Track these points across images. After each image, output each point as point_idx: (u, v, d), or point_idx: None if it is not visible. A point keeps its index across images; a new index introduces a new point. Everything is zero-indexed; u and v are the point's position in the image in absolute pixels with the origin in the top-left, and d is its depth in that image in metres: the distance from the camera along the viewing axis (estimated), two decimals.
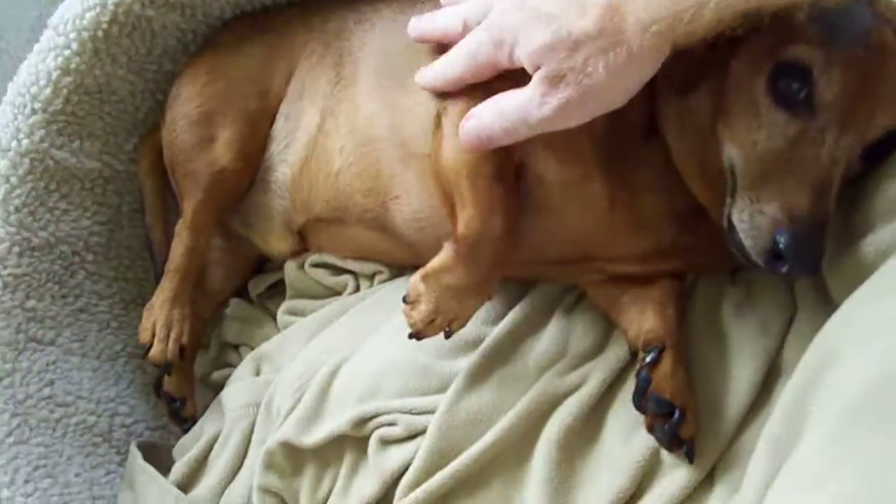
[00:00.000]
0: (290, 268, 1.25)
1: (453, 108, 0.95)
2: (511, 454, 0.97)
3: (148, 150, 1.31)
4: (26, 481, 1.19)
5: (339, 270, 1.21)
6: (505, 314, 1.04)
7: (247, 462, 1.14)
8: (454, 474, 0.97)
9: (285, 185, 1.20)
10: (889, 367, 0.65)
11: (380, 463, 1.01)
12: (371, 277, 1.19)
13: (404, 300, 0.95)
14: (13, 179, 1.23)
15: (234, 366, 1.26)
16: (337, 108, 1.16)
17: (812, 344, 0.77)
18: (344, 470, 1.05)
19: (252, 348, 1.25)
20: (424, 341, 0.97)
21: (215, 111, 1.21)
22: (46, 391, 1.24)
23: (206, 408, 1.24)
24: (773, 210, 0.82)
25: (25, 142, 1.23)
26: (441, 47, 0.99)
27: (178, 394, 1.25)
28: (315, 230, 1.21)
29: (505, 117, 0.88)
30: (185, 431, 1.26)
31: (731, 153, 0.86)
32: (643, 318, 0.97)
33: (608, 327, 1.03)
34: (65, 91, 1.24)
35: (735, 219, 0.86)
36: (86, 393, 1.28)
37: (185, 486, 1.17)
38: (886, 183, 0.86)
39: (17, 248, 1.24)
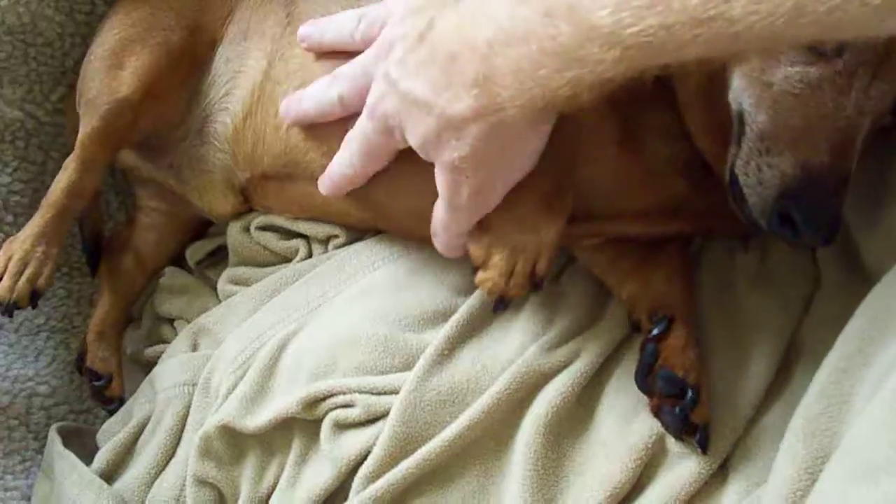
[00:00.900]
0: (233, 230, 1.13)
1: None
2: (489, 440, 0.86)
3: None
4: None
5: (289, 234, 1.10)
6: None
7: (180, 449, 1.02)
8: (421, 463, 0.86)
9: (225, 136, 1.10)
10: None
11: (334, 450, 0.90)
12: (325, 242, 1.07)
13: (473, 271, 0.85)
14: None
15: (168, 342, 1.15)
16: (288, 53, 1.06)
17: (855, 316, 0.70)
18: (292, 458, 0.94)
19: (189, 322, 1.13)
20: (388, 311, 0.88)
21: (132, 39, 1.11)
22: None
23: (136, 389, 1.13)
24: (784, 163, 0.74)
25: None
26: None
27: (102, 370, 1.16)
28: (261, 188, 1.10)
29: (443, 213, 0.86)
30: (111, 414, 1.15)
31: (741, 94, 0.77)
32: (648, 286, 0.88)
33: (603, 297, 0.93)
34: None
35: (739, 171, 0.77)
36: (0, 370, 1.16)
37: (110, 475, 1.05)
38: None
39: None
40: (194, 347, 1.09)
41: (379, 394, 0.90)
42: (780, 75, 0.74)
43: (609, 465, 0.82)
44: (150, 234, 1.22)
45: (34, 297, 1.08)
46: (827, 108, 0.73)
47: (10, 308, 1.07)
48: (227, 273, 1.13)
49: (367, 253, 1.01)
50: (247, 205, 1.13)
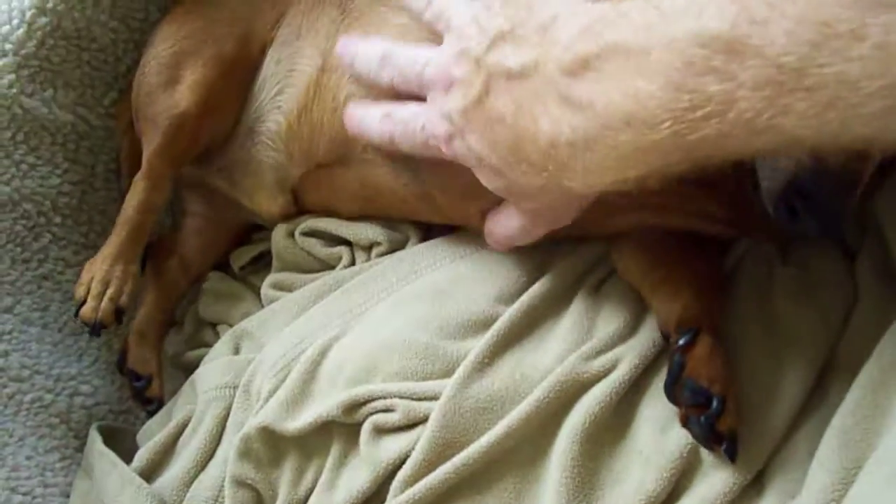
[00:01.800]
0: (278, 235, 1.14)
1: None
2: (526, 447, 0.86)
3: (128, 107, 1.21)
4: None
5: (333, 241, 1.11)
6: (521, 293, 0.94)
7: (220, 450, 1.02)
8: (459, 469, 0.85)
9: (279, 134, 1.11)
10: None
11: (373, 454, 0.90)
12: (368, 249, 1.08)
13: None
14: None
15: (210, 346, 1.15)
16: None
17: (890, 333, 0.70)
18: (331, 461, 0.93)
19: (230, 326, 1.14)
20: (429, 319, 0.87)
21: (187, 52, 1.13)
22: (0, 362, 1.14)
23: (177, 391, 1.14)
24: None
25: None
26: None
27: (142, 371, 1.17)
28: (313, 183, 1.11)
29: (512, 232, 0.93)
30: (151, 415, 1.16)
31: None
32: (678, 297, 0.87)
33: (641, 307, 0.92)
34: (39, 33, 1.15)
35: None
36: (44, 368, 1.17)
37: (149, 474, 1.05)
38: None
39: None
40: (236, 351, 1.09)
41: (419, 399, 0.89)
42: None
43: (645, 474, 0.81)
44: (196, 239, 1.23)
45: (119, 314, 1.12)
46: None
47: (96, 328, 1.11)
48: (271, 278, 1.13)
49: (410, 261, 1.01)
50: (296, 206, 1.14)
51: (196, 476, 1.01)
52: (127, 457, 1.08)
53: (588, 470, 0.83)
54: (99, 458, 1.08)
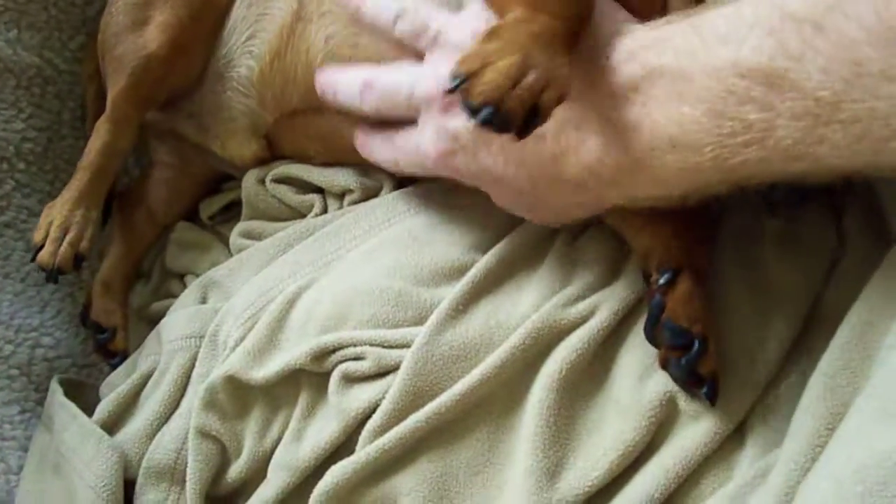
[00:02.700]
0: (248, 181, 1.11)
1: None
2: (501, 396, 0.83)
3: (95, 52, 1.17)
4: None
5: (305, 188, 1.08)
6: (498, 240, 0.91)
7: (184, 401, 0.99)
8: (430, 418, 0.83)
9: (251, 80, 1.08)
10: None
11: (342, 403, 0.87)
12: (340, 197, 1.05)
13: (454, 80, 0.70)
14: None
15: (177, 297, 1.12)
16: None
17: (877, 276, 0.70)
18: (298, 411, 0.91)
19: (198, 276, 1.11)
20: (402, 266, 0.85)
21: None
22: None
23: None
24: None
25: None
26: None
27: (106, 323, 1.15)
28: (287, 128, 1.09)
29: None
30: (114, 369, 1.12)
31: None
32: (659, 237, 0.85)
33: (621, 255, 0.90)
34: None
35: None
36: (4, 318, 1.14)
37: (111, 426, 1.02)
38: None
39: None
40: (203, 301, 1.06)
41: (390, 347, 0.87)
42: None
43: (622, 423, 0.79)
44: (164, 189, 1.20)
45: (78, 260, 1.09)
46: None
47: (53, 274, 1.08)
48: (240, 227, 1.10)
49: (383, 209, 0.99)
50: (269, 150, 1.12)
51: (159, 428, 0.98)
52: (89, 411, 1.04)
53: (564, 419, 0.81)
54: (59, 411, 1.05)
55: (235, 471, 0.93)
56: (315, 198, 1.06)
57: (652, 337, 0.81)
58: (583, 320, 0.84)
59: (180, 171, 1.20)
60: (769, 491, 0.69)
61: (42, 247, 1.08)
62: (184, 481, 0.94)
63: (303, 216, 1.07)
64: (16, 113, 1.16)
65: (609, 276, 0.88)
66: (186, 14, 1.08)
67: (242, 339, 0.94)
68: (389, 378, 0.86)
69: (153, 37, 1.07)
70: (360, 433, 0.86)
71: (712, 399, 0.77)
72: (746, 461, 0.76)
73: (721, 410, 0.78)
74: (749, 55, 0.64)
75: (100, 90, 1.17)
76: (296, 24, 1.04)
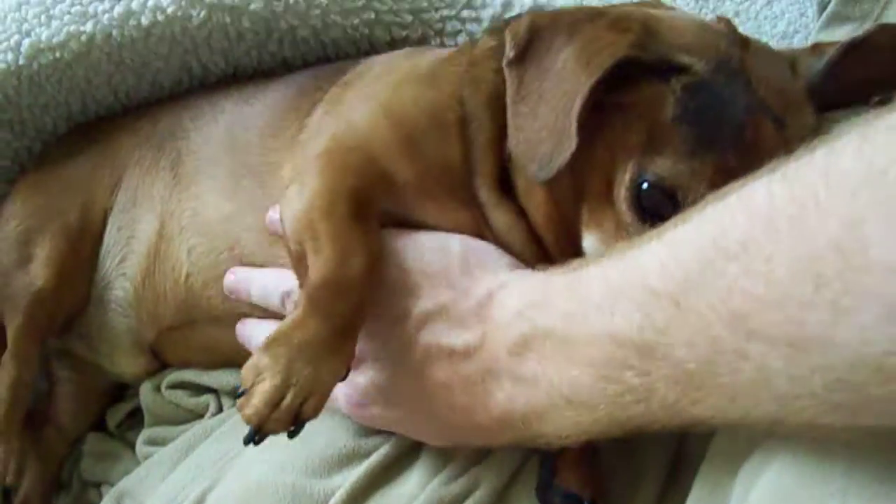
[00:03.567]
0: (145, 390, 1.14)
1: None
2: None
3: None
4: None
5: (199, 390, 1.11)
6: None
7: None
8: None
9: (127, 300, 1.12)
10: None
11: None
12: (233, 394, 1.07)
13: (238, 395, 0.79)
14: None
15: None
16: (178, 210, 1.08)
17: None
18: None
19: (112, 485, 1.13)
20: (293, 459, 0.88)
21: (33, 228, 1.13)
22: None
23: None
24: None
25: None
26: None
27: None
28: (168, 342, 1.12)
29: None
30: None
31: (592, 247, 0.82)
32: None
33: None
34: None
35: None
36: None
37: None
38: None
39: None
40: None
41: None
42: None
43: None
44: (69, 404, 1.21)
45: (7, 494, 1.11)
46: None
47: None
48: (144, 434, 1.13)
49: None
50: (157, 362, 1.14)
51: None
52: None
53: None
54: None
55: None
56: (210, 398, 1.09)
57: (544, 501, 0.84)
58: (466, 495, 0.86)
59: (82, 385, 1.22)
60: None
61: None
62: None
63: (201, 417, 1.09)
64: None
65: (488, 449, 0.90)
66: (66, 245, 1.12)
67: None
68: None
69: (39, 273, 1.10)
70: None
71: None
72: None
73: None
74: (621, 325, 0.66)
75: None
76: (160, 243, 1.08)
